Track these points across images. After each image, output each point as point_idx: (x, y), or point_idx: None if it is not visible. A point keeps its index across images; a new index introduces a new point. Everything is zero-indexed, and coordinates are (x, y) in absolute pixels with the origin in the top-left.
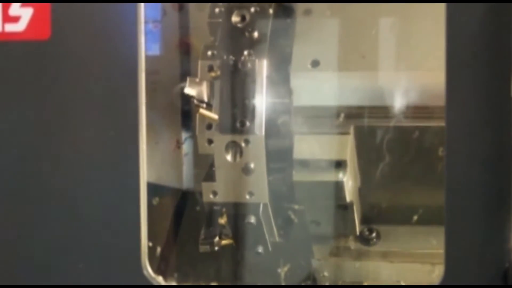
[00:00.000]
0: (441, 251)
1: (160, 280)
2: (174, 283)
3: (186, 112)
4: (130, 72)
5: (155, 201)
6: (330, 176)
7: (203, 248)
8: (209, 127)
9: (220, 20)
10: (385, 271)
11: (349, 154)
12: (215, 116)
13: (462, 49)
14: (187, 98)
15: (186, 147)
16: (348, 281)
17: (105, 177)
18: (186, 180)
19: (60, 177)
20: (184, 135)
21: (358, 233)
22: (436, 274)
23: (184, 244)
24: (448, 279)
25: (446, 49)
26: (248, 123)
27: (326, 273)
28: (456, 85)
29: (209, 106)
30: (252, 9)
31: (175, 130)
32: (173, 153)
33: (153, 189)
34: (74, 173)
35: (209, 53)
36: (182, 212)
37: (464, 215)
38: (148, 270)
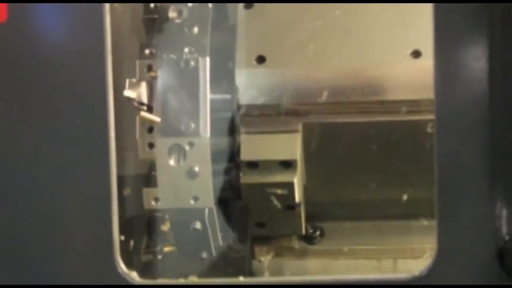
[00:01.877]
0: (387, 246)
1: (134, 276)
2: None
3: None
4: (97, 57)
5: (126, 191)
6: (279, 177)
7: (146, 258)
8: (150, 130)
9: (156, 16)
10: (330, 269)
11: (299, 152)
12: (156, 118)
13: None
14: None
15: None
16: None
17: (73, 168)
18: None
19: (25, 168)
20: None
21: (303, 232)
22: (383, 269)
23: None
24: (440, 261)
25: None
26: (192, 125)
27: (266, 273)
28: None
29: (149, 108)
30: (190, 4)
31: None
32: None
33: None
34: (39, 163)
35: (147, 51)
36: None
37: (457, 194)
38: (122, 267)
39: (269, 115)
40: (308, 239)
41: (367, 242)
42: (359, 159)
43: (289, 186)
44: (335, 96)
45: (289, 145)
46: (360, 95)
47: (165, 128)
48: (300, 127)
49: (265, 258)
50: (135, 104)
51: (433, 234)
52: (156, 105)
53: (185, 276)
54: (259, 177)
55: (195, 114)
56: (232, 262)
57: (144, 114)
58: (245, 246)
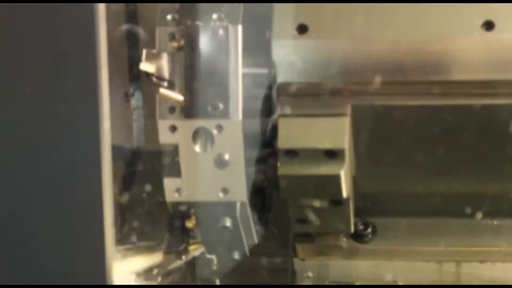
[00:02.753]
0: (450, 247)
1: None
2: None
3: (133, 60)
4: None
5: None
6: (323, 169)
7: (168, 258)
8: (172, 110)
9: None
10: (381, 270)
11: (347, 140)
12: (178, 97)
13: None
14: (134, 43)
15: (135, 101)
16: (335, 281)
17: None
18: (136, 137)
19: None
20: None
21: (352, 230)
22: (444, 273)
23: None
24: None
25: None
26: (221, 105)
27: (310, 273)
28: None
29: (171, 85)
30: None
31: (122, 81)
32: (121, 107)
33: None
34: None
35: (169, 17)
36: (134, 173)
37: None
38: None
39: (311, 95)
40: (358, 237)
41: (425, 242)
42: (418, 147)
43: (335, 179)
44: (390, 75)
45: (336, 131)
46: (420, 74)
47: (189, 109)
48: (348, 109)
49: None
50: (154, 79)
51: (504, 235)
52: (178, 81)
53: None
54: (299, 168)
55: (224, 92)
56: (270, 263)
57: (165, 91)
58: (284, 244)
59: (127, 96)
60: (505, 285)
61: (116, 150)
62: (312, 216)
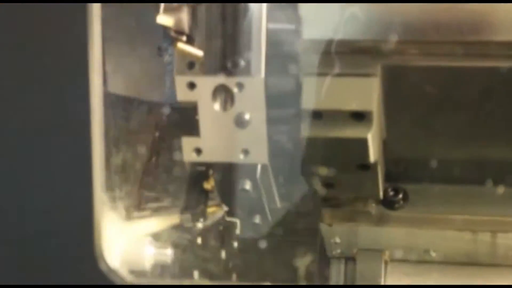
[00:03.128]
0: (486, 217)
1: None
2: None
3: None
4: None
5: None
6: (349, 132)
7: (184, 220)
8: (191, 66)
9: None
10: (412, 239)
11: (375, 101)
12: (198, 52)
13: None
14: None
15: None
16: (364, 248)
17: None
18: (169, 93)
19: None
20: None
21: (381, 196)
22: (479, 243)
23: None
24: None
25: None
26: (242, 62)
27: (337, 239)
28: None
29: (190, 39)
30: None
31: (155, 34)
32: (153, 61)
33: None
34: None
35: None
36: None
37: None
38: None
39: (339, 53)
40: (388, 203)
41: (460, 210)
42: (452, 110)
43: (362, 143)
44: (424, 33)
45: (364, 92)
46: (457, 33)
47: (208, 65)
48: (378, 70)
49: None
50: (172, 33)
51: None
52: (198, 35)
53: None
54: (323, 131)
55: (246, 48)
56: (294, 228)
57: (183, 45)
58: (309, 209)
59: (160, 51)
60: (505, 285)
61: (144, 105)
62: (337, 181)
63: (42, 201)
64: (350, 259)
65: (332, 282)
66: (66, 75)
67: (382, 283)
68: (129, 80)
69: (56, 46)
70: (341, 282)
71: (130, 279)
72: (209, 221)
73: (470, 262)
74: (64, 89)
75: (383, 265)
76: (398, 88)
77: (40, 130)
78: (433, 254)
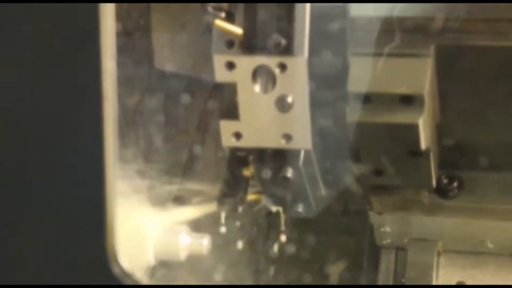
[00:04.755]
0: None
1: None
2: None
3: None
4: None
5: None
6: (399, 117)
7: (222, 209)
8: (230, 45)
9: None
10: (467, 229)
11: (427, 84)
12: (238, 29)
13: None
14: None
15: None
16: (415, 238)
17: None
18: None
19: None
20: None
21: (434, 184)
22: None
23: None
24: None
25: None
26: (284, 41)
27: (388, 228)
28: None
29: (230, 16)
30: None
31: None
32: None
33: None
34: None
35: None
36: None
37: None
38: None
39: (390, 31)
40: (442, 191)
41: None
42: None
43: (412, 128)
44: (484, 11)
45: (415, 75)
46: None
47: (248, 44)
48: (431, 50)
49: (385, 211)
50: (210, 9)
51: None
52: (238, 12)
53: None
54: (372, 115)
55: (288, 26)
56: (342, 216)
57: (222, 23)
58: (358, 198)
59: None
60: (506, 285)
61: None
62: (387, 168)
63: (45, 193)
64: (401, 249)
65: (382, 272)
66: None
67: (434, 275)
68: (177, 57)
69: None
70: (391, 273)
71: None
72: (248, 209)
73: None
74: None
75: (435, 256)
76: (453, 70)
77: (48, 119)
78: (490, 245)
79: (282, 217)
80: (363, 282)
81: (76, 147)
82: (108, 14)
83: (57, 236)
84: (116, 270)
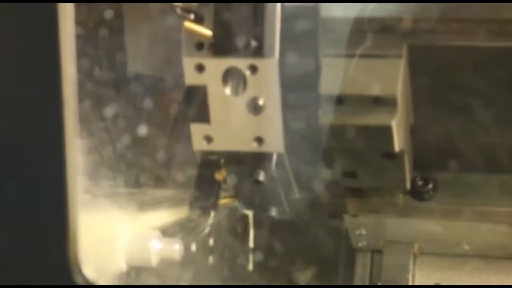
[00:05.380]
0: None
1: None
2: None
3: None
4: None
5: None
6: (372, 118)
7: (193, 213)
8: (200, 47)
9: None
10: (443, 231)
11: (400, 85)
12: (207, 31)
13: None
14: None
15: None
16: (391, 240)
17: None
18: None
19: None
20: None
21: (408, 186)
22: None
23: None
24: None
25: None
26: (254, 42)
27: (363, 231)
28: None
29: (199, 18)
30: None
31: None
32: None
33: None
34: None
35: None
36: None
37: None
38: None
39: (361, 32)
40: (417, 193)
41: (495, 201)
42: (485, 93)
43: (386, 130)
44: (456, 10)
45: (388, 76)
46: (491, 10)
47: (218, 46)
48: (404, 50)
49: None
50: (179, 11)
51: None
52: (207, 13)
53: None
54: (344, 117)
55: (259, 27)
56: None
57: (191, 24)
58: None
59: None
60: (506, 285)
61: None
62: (361, 171)
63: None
64: (376, 252)
65: (357, 274)
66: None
67: (410, 277)
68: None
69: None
70: (366, 275)
71: None
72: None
73: (506, 256)
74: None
75: (411, 259)
76: (426, 70)
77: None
78: (466, 247)
79: (251, 221)
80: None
81: (37, 154)
82: (67, 16)
83: (19, 246)
84: (78, 280)
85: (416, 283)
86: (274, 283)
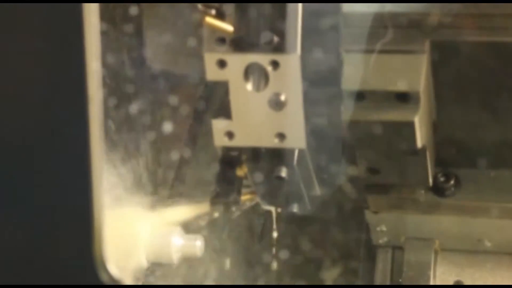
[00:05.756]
0: None
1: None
2: None
3: None
4: None
5: None
6: (395, 115)
7: (215, 209)
8: (221, 42)
9: None
10: (465, 229)
11: (423, 81)
12: (228, 27)
13: None
14: None
15: None
16: (412, 237)
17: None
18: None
19: None
20: None
21: (430, 183)
22: None
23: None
24: None
25: None
26: (276, 38)
27: (384, 228)
28: None
29: (220, 13)
30: None
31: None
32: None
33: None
34: None
35: None
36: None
37: None
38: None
39: (384, 28)
40: (438, 190)
41: None
42: (509, 90)
43: (408, 126)
44: (478, 5)
45: (410, 71)
46: None
47: (239, 41)
48: (427, 46)
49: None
50: (200, 6)
51: None
52: (229, 8)
53: None
54: (366, 113)
55: (280, 23)
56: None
57: (212, 19)
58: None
59: None
60: (506, 285)
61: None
62: (383, 167)
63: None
64: (397, 248)
65: (378, 271)
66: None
67: (431, 274)
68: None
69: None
70: (387, 272)
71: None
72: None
73: None
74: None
75: (433, 255)
76: (449, 66)
77: (34, 122)
78: (488, 244)
79: (274, 217)
80: (359, 282)
81: (62, 151)
82: (92, 13)
83: (44, 243)
84: (104, 277)
85: (437, 280)
86: (295, 281)
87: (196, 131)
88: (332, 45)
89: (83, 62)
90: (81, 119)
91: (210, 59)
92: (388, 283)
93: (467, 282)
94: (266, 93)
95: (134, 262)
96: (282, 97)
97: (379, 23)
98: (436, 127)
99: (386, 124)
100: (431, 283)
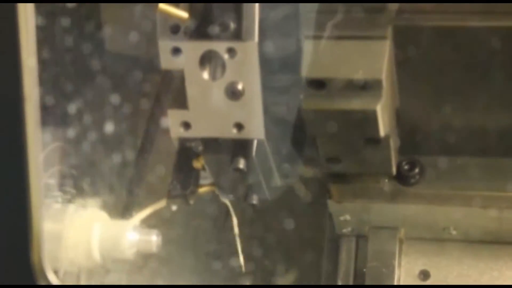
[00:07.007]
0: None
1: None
2: None
3: None
4: None
5: None
6: (356, 103)
7: (172, 202)
8: (175, 29)
9: None
10: (430, 216)
11: (385, 68)
12: (182, 13)
13: None
14: None
15: None
16: (376, 226)
17: None
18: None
19: None
20: None
21: (394, 171)
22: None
23: None
24: None
25: None
26: (233, 24)
27: (348, 217)
28: None
29: None
30: None
31: None
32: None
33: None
34: None
35: None
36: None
37: None
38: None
39: (344, 13)
40: (403, 178)
41: (483, 185)
42: (473, 76)
43: (370, 115)
44: None
45: (372, 58)
46: None
47: (194, 28)
48: (389, 32)
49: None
50: None
51: None
52: None
53: None
54: (327, 102)
55: (237, 9)
56: (299, 206)
57: (166, 6)
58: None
59: None
60: (506, 285)
61: None
62: (345, 156)
63: None
64: (361, 237)
65: (342, 261)
66: None
67: (396, 263)
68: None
69: None
70: (351, 262)
71: None
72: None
73: (494, 241)
74: None
75: (397, 244)
76: (412, 52)
77: None
78: (453, 232)
79: (231, 209)
80: (323, 273)
81: None
82: (28, 9)
83: None
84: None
85: (402, 270)
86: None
87: (154, 125)
88: (290, 32)
89: (18, 59)
90: (17, 118)
91: (164, 47)
92: (352, 273)
93: (433, 271)
94: (223, 82)
95: (87, 259)
96: (240, 86)
97: (341, 8)
98: (399, 114)
99: (348, 113)
100: (396, 272)
